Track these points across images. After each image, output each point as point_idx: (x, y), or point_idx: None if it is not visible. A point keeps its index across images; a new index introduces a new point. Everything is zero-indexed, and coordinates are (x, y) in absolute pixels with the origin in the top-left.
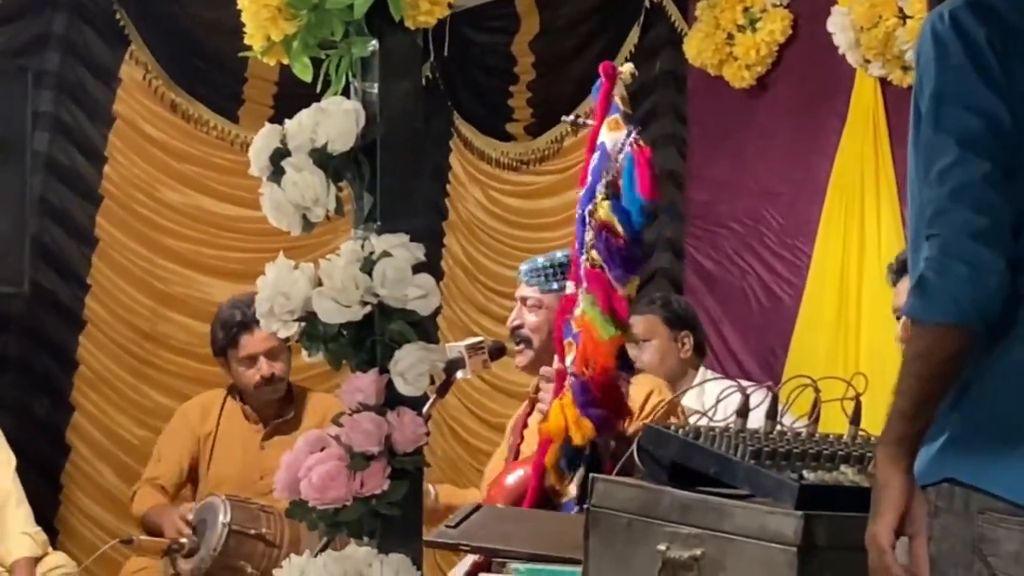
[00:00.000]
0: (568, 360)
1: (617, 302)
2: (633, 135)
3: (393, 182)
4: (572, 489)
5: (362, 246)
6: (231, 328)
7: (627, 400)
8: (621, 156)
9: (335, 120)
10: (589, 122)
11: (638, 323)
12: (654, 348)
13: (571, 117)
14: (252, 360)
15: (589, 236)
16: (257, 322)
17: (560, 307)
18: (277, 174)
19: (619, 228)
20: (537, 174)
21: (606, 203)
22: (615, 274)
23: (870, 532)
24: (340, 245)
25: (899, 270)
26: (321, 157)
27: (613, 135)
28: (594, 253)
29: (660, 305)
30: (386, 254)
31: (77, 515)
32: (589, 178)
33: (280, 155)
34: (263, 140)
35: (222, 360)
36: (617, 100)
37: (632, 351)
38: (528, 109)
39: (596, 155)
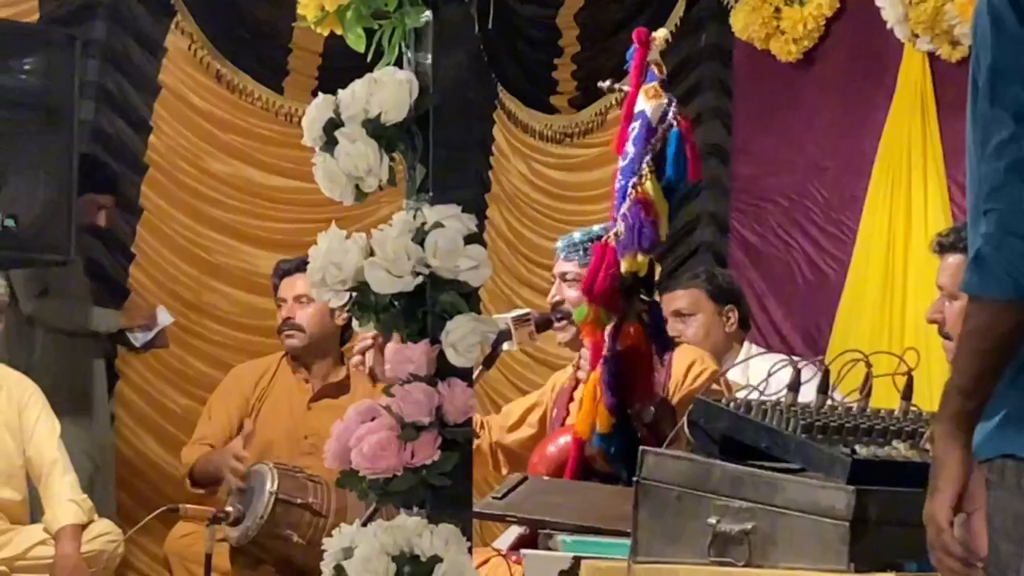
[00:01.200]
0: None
1: (599, 283)
2: (675, 107)
3: (446, 153)
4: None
5: (414, 216)
6: (275, 276)
7: (652, 376)
8: (664, 127)
9: (388, 91)
10: (625, 88)
11: (682, 297)
12: (699, 322)
13: (607, 83)
14: (282, 303)
15: (625, 206)
16: (297, 270)
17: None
18: (330, 144)
19: (658, 207)
20: (581, 147)
21: (653, 177)
22: (626, 244)
23: (928, 509)
24: (384, 216)
25: (946, 245)
26: (374, 127)
27: (653, 103)
28: (622, 225)
29: (705, 279)
30: (438, 225)
31: (121, 484)
32: (631, 148)
33: (333, 125)
34: (316, 110)
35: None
36: (653, 67)
37: (677, 325)
38: (572, 82)
39: (636, 124)
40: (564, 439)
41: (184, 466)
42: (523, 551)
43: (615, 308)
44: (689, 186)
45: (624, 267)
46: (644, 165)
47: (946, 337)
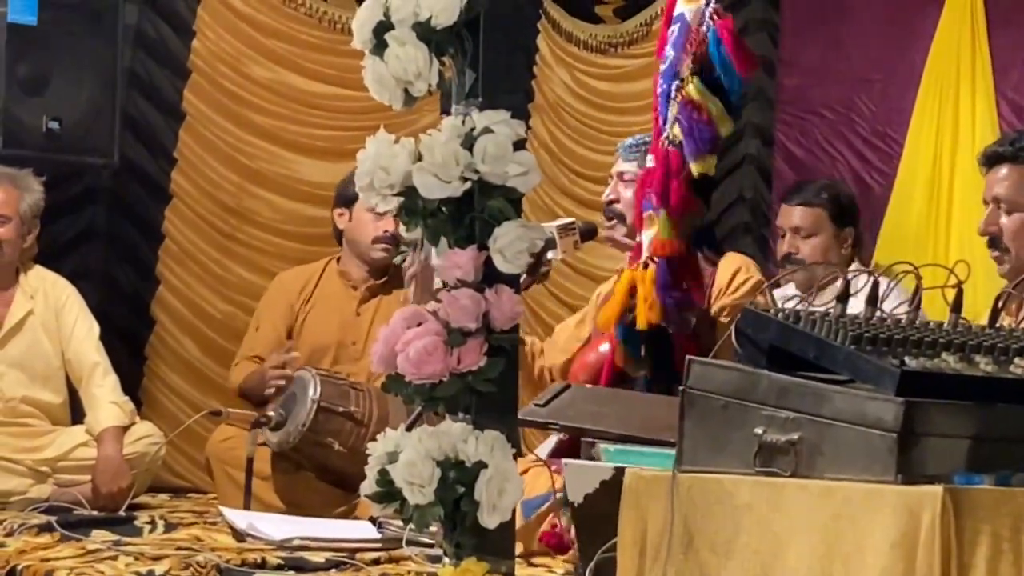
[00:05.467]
0: (647, 235)
1: (675, 192)
2: (712, 5)
3: (496, 58)
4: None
5: (463, 122)
6: None
7: (704, 283)
8: (703, 29)
9: None
10: None
11: (804, 215)
12: (818, 243)
13: None
14: (381, 214)
15: (673, 110)
16: None
17: (640, 181)
18: (380, 47)
19: (708, 106)
20: (625, 57)
21: (695, 79)
22: (691, 149)
23: None
24: (427, 124)
25: (1007, 155)
26: (424, 31)
27: (692, 6)
28: (676, 129)
29: (828, 199)
30: (487, 130)
31: (160, 387)
32: (670, 51)
33: (383, 28)
34: (366, 12)
35: (342, 211)
36: None
37: (795, 242)
38: None
39: (675, 27)
40: (604, 347)
41: (233, 385)
42: (564, 460)
43: (697, 211)
44: (745, 83)
45: (696, 170)
46: (684, 68)
47: (1004, 250)
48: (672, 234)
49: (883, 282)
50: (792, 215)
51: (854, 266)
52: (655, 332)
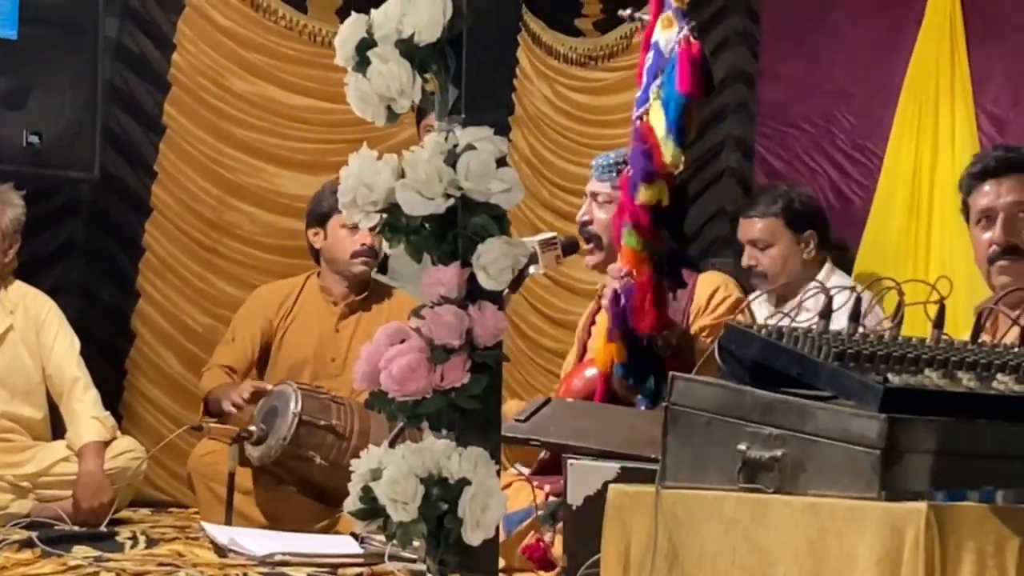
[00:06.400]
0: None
1: (642, 212)
2: (684, 31)
3: (479, 74)
4: None
5: (446, 138)
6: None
7: (664, 308)
8: (670, 52)
9: (422, 10)
10: (645, 17)
11: (759, 227)
12: (776, 253)
13: (627, 11)
14: (355, 229)
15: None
16: None
17: (617, 211)
18: (363, 64)
19: (656, 132)
20: (605, 70)
21: (657, 103)
22: (633, 177)
23: None
24: (407, 137)
25: (980, 174)
26: (407, 48)
27: (666, 33)
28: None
29: (782, 207)
30: (470, 147)
31: (141, 401)
32: (644, 78)
33: (366, 45)
34: (349, 29)
35: (316, 231)
36: None
37: (755, 254)
38: (598, 4)
39: (651, 54)
40: (590, 372)
41: (202, 391)
42: (569, 460)
43: (656, 240)
44: (684, 99)
45: (639, 199)
46: (651, 93)
47: None
48: (638, 247)
49: (865, 297)
50: (749, 228)
51: (829, 268)
52: (647, 358)
